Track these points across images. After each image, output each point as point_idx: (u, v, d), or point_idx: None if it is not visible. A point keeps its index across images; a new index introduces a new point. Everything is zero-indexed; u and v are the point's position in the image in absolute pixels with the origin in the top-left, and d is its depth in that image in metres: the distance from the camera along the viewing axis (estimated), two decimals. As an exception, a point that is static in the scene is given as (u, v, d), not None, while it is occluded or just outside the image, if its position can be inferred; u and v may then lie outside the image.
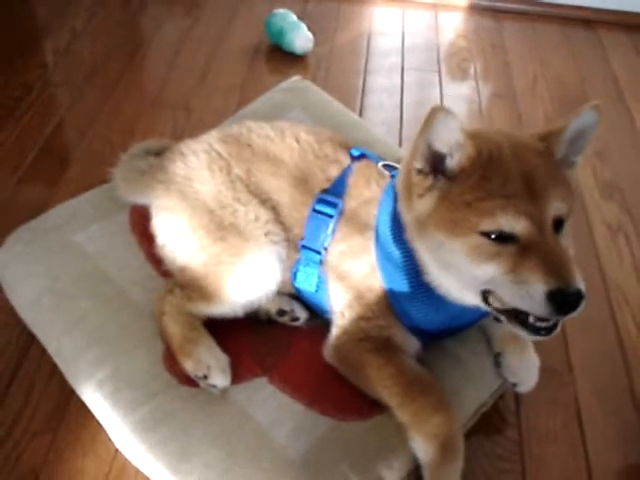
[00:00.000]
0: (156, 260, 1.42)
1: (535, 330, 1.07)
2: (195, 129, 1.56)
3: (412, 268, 1.18)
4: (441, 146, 1.06)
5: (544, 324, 1.06)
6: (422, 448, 1.16)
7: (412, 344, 1.27)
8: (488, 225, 1.03)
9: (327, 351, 1.29)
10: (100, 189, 1.62)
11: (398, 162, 1.36)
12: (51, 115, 2.15)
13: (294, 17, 2.51)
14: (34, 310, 1.40)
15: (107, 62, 2.43)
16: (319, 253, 1.28)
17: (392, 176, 1.29)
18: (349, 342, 1.25)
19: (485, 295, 1.10)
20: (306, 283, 1.32)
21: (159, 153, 1.53)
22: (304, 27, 2.48)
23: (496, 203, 1.03)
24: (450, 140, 1.05)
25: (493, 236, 1.03)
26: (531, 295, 1.00)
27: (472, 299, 1.13)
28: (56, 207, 1.58)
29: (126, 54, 2.48)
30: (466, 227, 1.04)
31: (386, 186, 1.27)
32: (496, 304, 1.09)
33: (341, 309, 1.28)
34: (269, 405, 1.24)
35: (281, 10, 2.51)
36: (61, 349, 1.33)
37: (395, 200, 1.20)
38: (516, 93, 2.44)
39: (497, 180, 1.05)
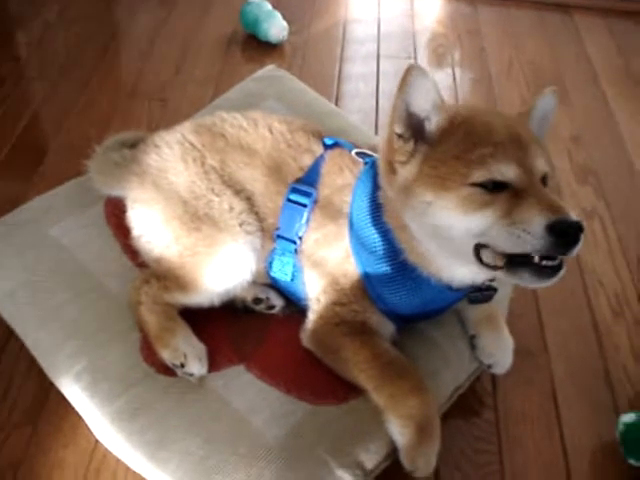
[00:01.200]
0: (132, 251, 1.42)
1: (541, 271, 1.02)
2: (171, 120, 1.56)
3: (388, 252, 1.19)
4: (419, 107, 1.07)
5: (550, 262, 1.02)
6: (398, 430, 1.18)
7: (387, 328, 1.28)
8: (479, 175, 1.03)
9: (304, 336, 1.30)
10: (75, 182, 1.62)
11: (373, 150, 1.37)
12: (25, 108, 2.13)
13: (269, 6, 2.49)
14: (10, 304, 1.39)
15: (81, 54, 2.41)
16: (294, 242, 1.29)
17: (366, 163, 1.30)
18: (325, 327, 1.26)
19: (478, 252, 1.07)
20: (282, 272, 1.32)
21: (134, 145, 1.52)
22: (279, 16, 2.47)
23: (485, 151, 1.03)
24: (427, 101, 1.06)
25: (484, 185, 1.03)
26: (530, 232, 0.98)
27: (463, 262, 1.12)
28: (31, 201, 1.57)
29: (100, 45, 2.46)
30: (455, 181, 1.04)
31: (359, 173, 1.28)
32: (490, 259, 1.06)
33: (316, 295, 1.29)
34: (246, 392, 1.25)
35: (256, -1, 2.50)
36: (38, 342, 1.33)
37: (373, 183, 1.21)
38: (492, 78, 2.45)
39: (482, 131, 1.06)
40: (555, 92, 1.18)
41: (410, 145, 1.09)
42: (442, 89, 2.30)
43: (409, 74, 1.04)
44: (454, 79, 2.43)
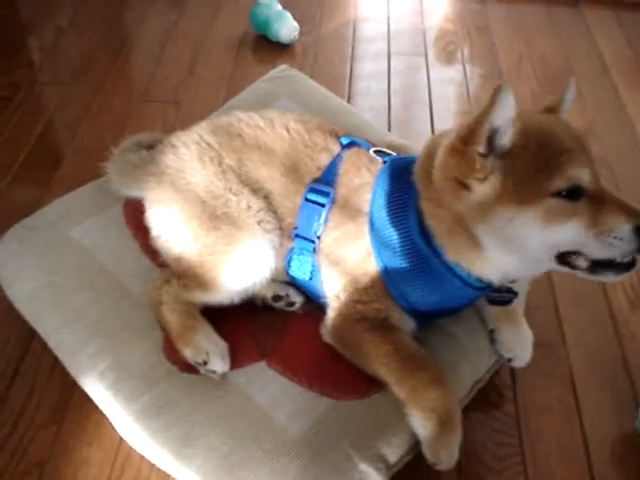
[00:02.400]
0: (151, 251, 1.43)
1: (621, 268, 1.10)
2: (185, 122, 1.57)
3: (410, 249, 1.20)
4: (500, 124, 1.05)
5: (627, 259, 1.09)
6: (420, 423, 1.18)
7: (408, 324, 1.29)
8: (559, 183, 1.05)
9: (325, 332, 1.31)
10: (93, 184, 1.63)
11: (388, 147, 1.38)
12: (40, 114, 2.15)
13: (279, 6, 2.51)
14: (33, 305, 1.41)
15: (94, 58, 2.43)
16: (312, 242, 1.30)
17: (385, 161, 1.30)
18: (346, 323, 1.27)
19: (562, 257, 1.11)
20: (300, 271, 1.33)
21: (151, 146, 1.54)
22: (289, 16, 2.48)
23: (562, 160, 1.06)
24: (508, 118, 1.05)
25: (565, 194, 1.06)
26: (620, 238, 1.05)
27: (536, 270, 1.20)
28: (50, 204, 1.59)
29: (112, 49, 2.48)
30: (537, 193, 1.06)
31: (378, 172, 1.29)
32: (576, 263, 1.11)
33: (336, 292, 1.29)
34: (269, 388, 1.26)
35: (266, 0, 2.51)
36: (61, 343, 1.35)
37: (397, 184, 1.22)
38: (503, 74, 2.45)
39: (553, 141, 1.08)
40: (574, 82, 1.22)
41: (489, 162, 1.08)
42: (453, 86, 2.32)
43: (500, 94, 1.01)
44: (465, 75, 2.43)
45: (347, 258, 1.27)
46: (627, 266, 1.10)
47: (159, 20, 2.66)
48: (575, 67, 2.50)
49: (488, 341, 1.38)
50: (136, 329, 1.34)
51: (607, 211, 1.06)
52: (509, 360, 1.38)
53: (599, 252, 1.09)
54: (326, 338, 1.31)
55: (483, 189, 1.09)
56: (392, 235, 1.21)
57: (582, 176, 1.07)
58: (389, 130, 2.11)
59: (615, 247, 1.07)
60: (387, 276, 1.23)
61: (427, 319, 1.32)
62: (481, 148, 1.07)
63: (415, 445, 1.22)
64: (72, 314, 1.37)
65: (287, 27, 2.45)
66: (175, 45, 2.52)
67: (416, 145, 1.84)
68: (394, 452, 1.20)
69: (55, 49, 2.47)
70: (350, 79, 2.38)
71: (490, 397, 1.43)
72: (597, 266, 1.11)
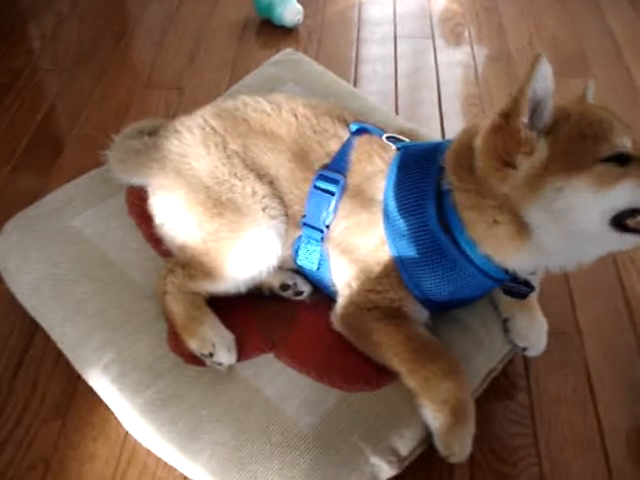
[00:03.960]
0: (155, 240, 1.40)
1: None
2: (189, 108, 1.53)
3: (426, 238, 1.17)
4: (541, 96, 1.05)
5: None
6: (432, 414, 1.16)
7: (421, 314, 1.26)
8: (607, 149, 1.05)
9: (335, 319, 1.29)
10: (95, 172, 1.60)
11: (398, 132, 1.34)
12: (41, 101, 2.13)
13: (283, -11, 2.46)
14: (35, 298, 1.38)
15: (95, 45, 2.39)
16: (321, 231, 1.27)
17: (398, 148, 1.27)
18: (357, 311, 1.24)
19: (620, 221, 1.07)
20: (308, 261, 1.30)
21: (153, 132, 1.51)
22: (294, -1, 2.44)
23: (605, 128, 1.06)
24: (548, 89, 1.05)
25: (612, 160, 1.05)
26: None
27: (589, 250, 1.15)
28: (52, 193, 1.56)
29: (114, 36, 2.44)
30: (586, 160, 1.05)
31: (392, 159, 1.25)
32: (636, 222, 1.08)
33: (348, 281, 1.26)
34: (277, 380, 1.23)
35: (269, -17, 2.47)
36: (65, 335, 1.33)
37: (417, 173, 1.20)
38: (511, 56, 2.40)
39: (591, 112, 1.10)
40: (593, 84, 1.26)
41: (534, 134, 1.06)
42: (461, 68, 2.28)
43: (538, 64, 1.01)
44: (473, 57, 2.39)
45: (360, 247, 1.24)
46: None
47: (161, 5, 2.62)
48: (587, 48, 2.44)
49: (502, 330, 1.35)
50: (140, 321, 1.32)
51: None
52: (523, 349, 1.35)
53: None
54: (336, 326, 1.28)
55: (530, 163, 1.07)
56: (408, 224, 1.18)
57: (626, 143, 1.06)
58: (396, 114, 2.07)
59: None
60: (402, 266, 1.20)
61: (442, 309, 1.29)
62: (525, 119, 1.05)
63: (427, 437, 1.19)
64: (75, 306, 1.34)
65: (291, 10, 2.41)
66: (177, 30, 2.48)
67: (424, 129, 1.81)
68: (406, 444, 1.18)
69: (56, 36, 2.44)
70: (356, 63, 2.33)
71: (503, 387, 1.40)
72: None
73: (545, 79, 1.03)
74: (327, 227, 1.27)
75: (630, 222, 1.07)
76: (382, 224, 1.21)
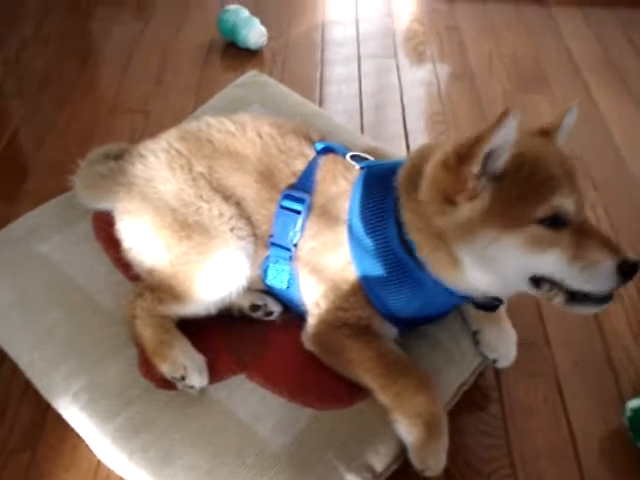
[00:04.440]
0: (123, 265, 1.39)
1: (598, 301, 1.10)
2: (154, 132, 1.53)
3: (389, 258, 1.17)
4: (498, 147, 1.03)
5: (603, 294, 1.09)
6: (406, 429, 1.16)
7: (390, 331, 1.27)
8: (544, 211, 1.04)
9: (305, 339, 1.29)
10: (61, 198, 1.58)
11: (364, 150, 1.35)
12: (4, 127, 2.10)
13: (246, 12, 2.48)
14: (2, 326, 1.36)
15: (60, 69, 2.38)
16: (288, 250, 1.27)
17: (362, 168, 1.28)
18: (327, 330, 1.24)
19: (537, 283, 1.10)
20: (277, 280, 1.30)
21: (118, 157, 1.50)
22: (257, 22, 2.45)
23: (548, 187, 1.04)
24: (507, 141, 1.03)
25: (549, 222, 1.04)
26: (602, 273, 1.05)
27: (513, 290, 1.17)
28: (18, 219, 1.54)
29: (78, 60, 2.43)
30: (522, 219, 1.04)
31: (355, 179, 1.26)
32: (549, 291, 1.10)
33: (316, 300, 1.27)
34: (250, 401, 1.22)
35: (233, 6, 2.49)
36: (33, 364, 1.30)
37: (377, 193, 1.20)
38: (473, 73, 2.45)
39: (543, 167, 1.06)
40: (577, 106, 1.22)
41: (481, 182, 1.06)
42: (425, 86, 2.31)
43: (507, 118, 0.99)
44: (436, 76, 2.43)
45: (327, 267, 1.25)
46: (603, 299, 1.09)
47: (125, 29, 2.62)
48: (545, 65, 2.50)
49: (472, 343, 1.36)
50: (110, 346, 1.30)
51: (591, 245, 1.05)
52: (494, 361, 1.37)
53: (579, 284, 1.07)
54: (307, 345, 1.28)
55: (470, 208, 1.07)
56: (371, 244, 1.18)
57: (567, 206, 1.05)
58: (362, 133, 2.09)
59: (594, 281, 1.06)
60: (367, 285, 1.21)
61: (410, 326, 1.29)
62: (476, 169, 1.04)
63: (402, 452, 1.19)
64: (43, 334, 1.32)
65: (255, 33, 2.43)
66: (142, 54, 2.48)
67: (390, 148, 1.83)
68: (381, 461, 1.18)
69: (19, 61, 2.42)
70: (321, 83, 2.36)
71: (475, 399, 1.41)
72: (573, 297, 1.10)
73: (508, 132, 1.01)
74: (295, 246, 1.27)
75: (548, 288, 1.10)
76: (347, 244, 1.22)
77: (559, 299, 1.10)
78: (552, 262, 1.06)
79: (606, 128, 2.21)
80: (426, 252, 1.14)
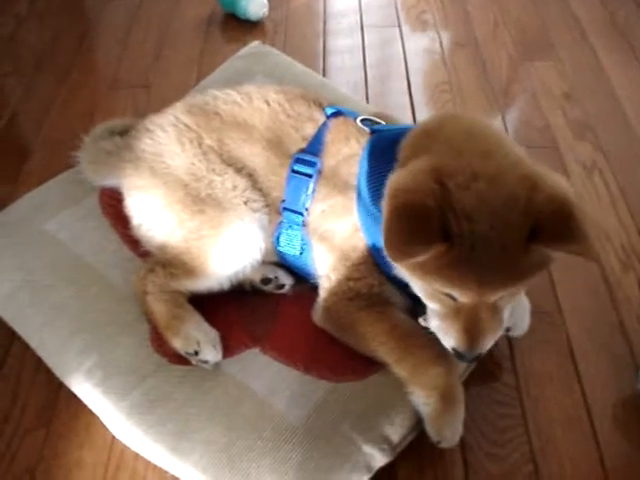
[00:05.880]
0: (132, 241, 1.38)
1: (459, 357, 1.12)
2: (157, 107, 1.50)
3: None
4: None
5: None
6: (422, 401, 1.16)
7: (402, 299, 1.25)
8: (440, 288, 1.05)
9: (317, 314, 1.28)
10: (65, 175, 1.57)
11: (374, 115, 1.33)
12: (3, 107, 2.07)
13: (246, -17, 2.43)
14: (11, 306, 1.35)
15: (57, 46, 2.33)
16: (301, 214, 1.26)
17: (372, 131, 1.26)
18: (339, 303, 1.23)
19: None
20: (290, 246, 1.29)
21: (123, 132, 1.48)
22: (257, -8, 2.40)
23: (452, 280, 1.02)
24: None
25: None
26: (444, 342, 1.11)
27: None
28: (22, 198, 1.53)
29: (76, 36, 2.39)
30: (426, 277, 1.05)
31: (365, 143, 1.24)
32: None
33: (327, 272, 1.26)
34: (264, 375, 1.22)
35: (231, -23, 2.43)
36: (44, 342, 1.30)
37: (375, 162, 1.18)
38: (478, 41, 2.40)
39: (466, 262, 0.99)
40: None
41: None
42: (429, 56, 2.27)
43: None
44: (440, 44, 2.39)
45: (335, 233, 1.24)
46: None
47: (122, 3, 2.57)
48: (551, 31, 2.46)
49: (485, 312, 1.35)
50: (121, 323, 1.29)
51: (454, 326, 1.07)
52: (507, 330, 1.35)
53: (437, 333, 1.13)
54: (318, 322, 1.28)
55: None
56: (378, 212, 1.16)
57: (458, 297, 1.05)
58: (368, 103, 2.06)
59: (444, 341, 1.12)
60: (376, 251, 1.20)
61: None
62: None
63: (418, 423, 1.19)
64: (53, 312, 1.31)
65: (255, 3, 2.38)
66: (140, 28, 2.43)
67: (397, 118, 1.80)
68: (397, 431, 1.18)
69: (15, 39, 2.37)
70: (324, 54, 2.32)
71: (489, 369, 1.40)
72: None
73: None
74: (307, 210, 1.26)
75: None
76: (356, 210, 1.20)
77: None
78: (430, 307, 1.11)
79: (614, 93, 2.17)
80: None
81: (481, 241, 0.97)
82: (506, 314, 1.11)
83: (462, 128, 1.12)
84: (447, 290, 1.04)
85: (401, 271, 1.11)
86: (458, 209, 0.97)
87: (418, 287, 1.11)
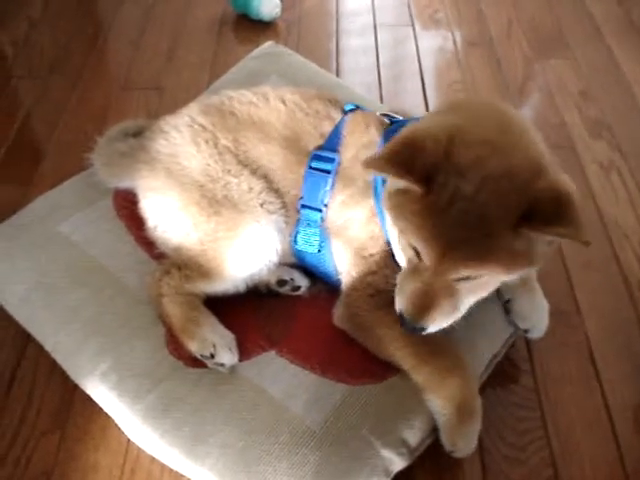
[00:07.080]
0: (147, 243, 1.37)
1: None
2: (169, 108, 1.50)
3: None
4: None
5: None
6: (438, 410, 1.15)
7: None
8: (409, 237, 1.03)
9: (337, 314, 1.27)
10: (79, 177, 1.56)
11: (396, 113, 1.32)
12: (17, 109, 2.07)
13: (258, -17, 2.42)
14: (26, 308, 1.35)
15: (70, 49, 2.33)
16: (319, 211, 1.25)
17: (392, 122, 1.25)
18: (359, 300, 1.22)
19: None
20: (308, 244, 1.28)
21: (137, 134, 1.48)
22: (269, -7, 2.39)
23: (420, 230, 0.99)
24: None
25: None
26: (396, 304, 1.09)
27: None
28: (36, 200, 1.52)
29: (88, 39, 2.39)
30: (400, 219, 1.04)
31: (384, 131, 1.24)
32: None
33: (347, 269, 1.25)
34: (281, 378, 1.21)
35: (243, -22, 2.43)
36: (59, 345, 1.29)
37: None
38: (492, 39, 2.38)
39: (437, 217, 0.98)
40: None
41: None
42: (442, 55, 2.25)
43: None
44: (454, 43, 2.37)
45: (353, 222, 1.23)
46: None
47: (134, 4, 2.57)
48: (566, 29, 2.43)
49: (503, 314, 1.33)
50: (136, 325, 1.29)
51: (408, 287, 1.06)
52: (525, 331, 1.34)
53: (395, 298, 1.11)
54: (338, 323, 1.26)
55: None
56: None
57: (421, 251, 1.02)
58: (382, 103, 2.04)
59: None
60: None
61: None
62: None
63: (436, 428, 1.18)
64: (67, 314, 1.31)
65: (268, 4, 2.37)
66: (153, 30, 2.43)
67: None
68: (415, 435, 1.16)
69: (28, 42, 2.37)
70: (337, 55, 2.30)
71: (507, 371, 1.39)
72: None
73: None
74: (325, 206, 1.25)
75: None
76: (373, 197, 1.19)
77: None
78: (399, 259, 1.12)
79: (630, 91, 2.15)
80: None
81: (462, 200, 0.95)
82: (463, 307, 1.07)
83: (487, 106, 1.13)
84: (413, 241, 1.01)
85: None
86: (453, 162, 0.95)
87: (395, 239, 1.10)
